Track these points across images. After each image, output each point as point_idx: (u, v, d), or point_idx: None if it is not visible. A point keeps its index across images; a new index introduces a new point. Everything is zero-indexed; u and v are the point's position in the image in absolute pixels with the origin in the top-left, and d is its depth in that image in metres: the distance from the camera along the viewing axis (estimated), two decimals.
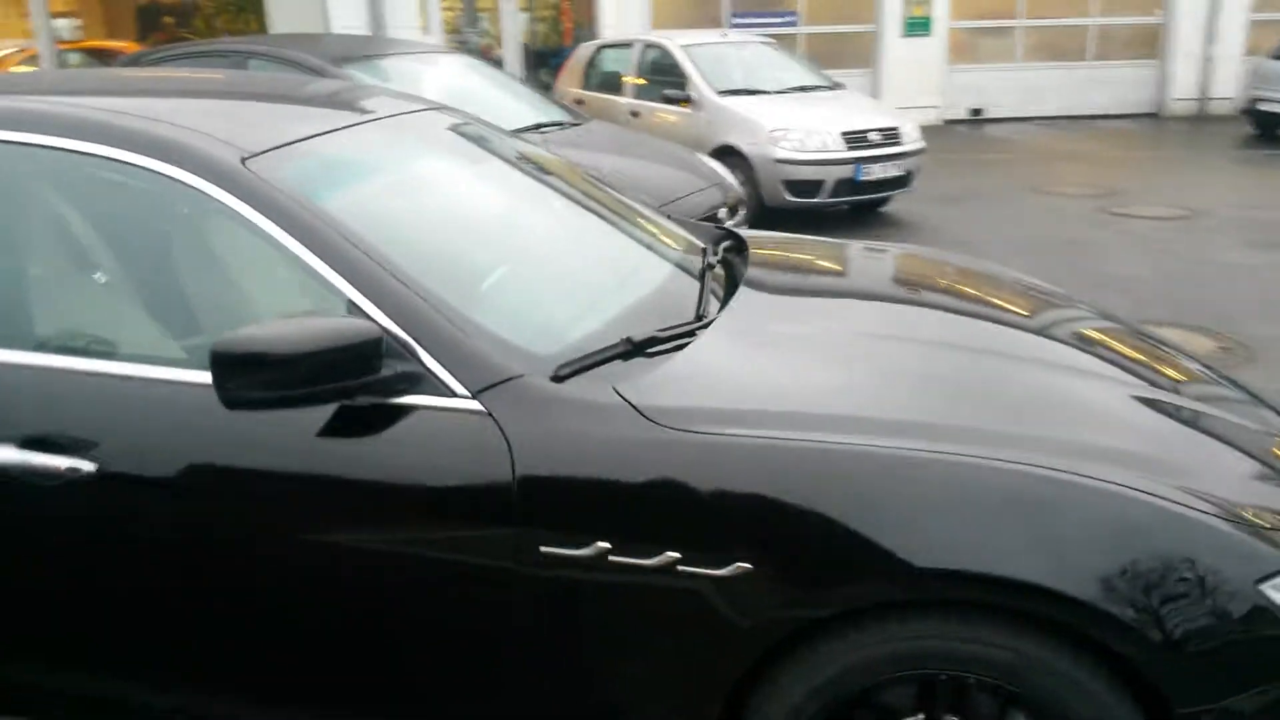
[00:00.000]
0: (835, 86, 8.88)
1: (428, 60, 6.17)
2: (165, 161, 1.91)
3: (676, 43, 8.76)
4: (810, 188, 7.61)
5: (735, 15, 13.77)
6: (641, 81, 8.91)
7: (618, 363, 1.92)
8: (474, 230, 2.31)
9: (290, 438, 1.77)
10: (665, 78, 8.62)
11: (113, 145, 1.94)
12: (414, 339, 1.78)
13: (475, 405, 1.75)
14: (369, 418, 1.76)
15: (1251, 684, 1.65)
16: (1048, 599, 1.61)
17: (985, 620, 1.66)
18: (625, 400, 1.77)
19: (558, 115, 6.17)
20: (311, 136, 2.15)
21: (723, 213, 5.31)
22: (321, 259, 1.82)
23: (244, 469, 1.80)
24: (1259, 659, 1.65)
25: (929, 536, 1.64)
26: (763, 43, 9.33)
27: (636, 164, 5.60)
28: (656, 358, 1.97)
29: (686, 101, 8.33)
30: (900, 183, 7.97)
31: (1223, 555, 1.65)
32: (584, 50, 9.91)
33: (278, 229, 1.84)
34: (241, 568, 1.82)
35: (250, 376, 1.61)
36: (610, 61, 9.42)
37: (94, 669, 1.97)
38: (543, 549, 1.71)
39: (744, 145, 7.81)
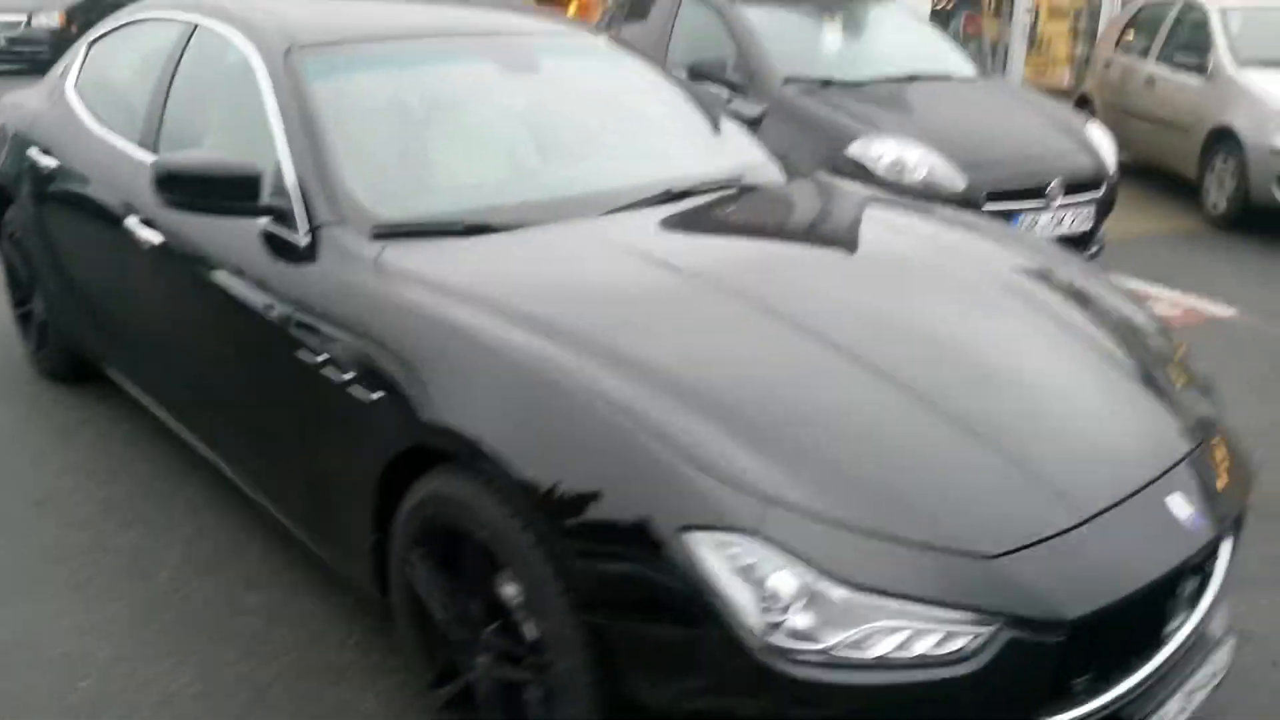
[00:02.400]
0: None
1: None
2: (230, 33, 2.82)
3: (1218, 3, 7.47)
4: None
5: None
6: (1165, 45, 7.81)
7: (457, 238, 2.34)
8: (429, 121, 2.77)
9: (210, 228, 2.57)
10: (1191, 43, 7.47)
11: (216, 19, 2.90)
12: (294, 191, 2.40)
13: (303, 239, 2.35)
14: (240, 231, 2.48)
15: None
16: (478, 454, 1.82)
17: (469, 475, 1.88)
18: (376, 257, 2.22)
19: (958, 69, 5.92)
20: (363, 40, 2.84)
21: (1057, 185, 4.79)
22: (280, 122, 2.51)
23: (195, 245, 2.66)
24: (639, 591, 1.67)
25: (446, 398, 1.91)
26: None
27: (1001, 117, 5.33)
28: (481, 237, 2.35)
29: (1200, 71, 7.17)
30: None
31: (663, 491, 1.66)
32: (1128, 9, 8.88)
33: (274, 103, 2.57)
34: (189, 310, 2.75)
35: (169, 188, 2.39)
36: (1147, 22, 8.35)
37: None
38: (296, 353, 2.27)
39: (1240, 127, 6.56)
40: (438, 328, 2.03)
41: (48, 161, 3.44)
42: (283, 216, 2.40)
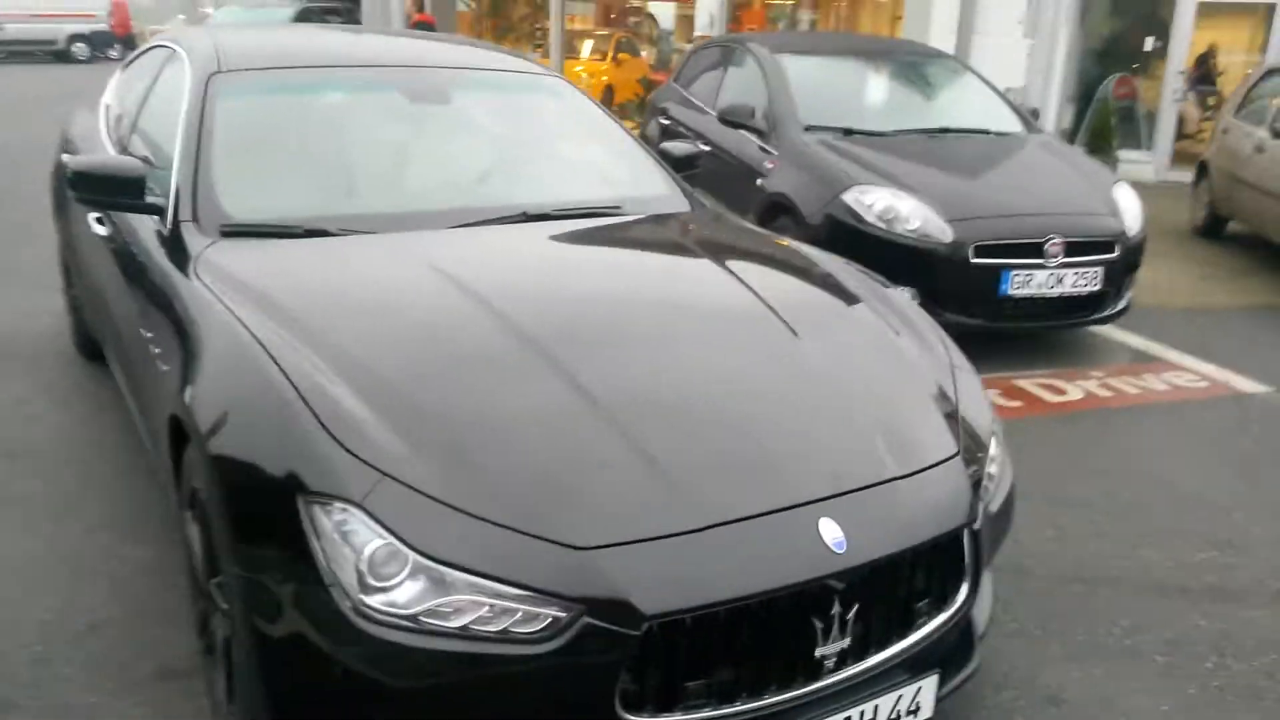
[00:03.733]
0: None
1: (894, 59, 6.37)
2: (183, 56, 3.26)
3: None
4: None
5: None
6: (1277, 112, 7.29)
7: (296, 240, 2.63)
8: (327, 144, 3.06)
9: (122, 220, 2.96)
10: None
11: (174, 46, 3.37)
12: (171, 192, 2.75)
13: (165, 230, 2.69)
14: (144, 223, 2.83)
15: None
16: None
17: None
18: (200, 253, 2.53)
19: (1000, 125, 5.79)
20: (288, 65, 3.19)
21: (1055, 244, 4.61)
22: (183, 138, 2.87)
23: (123, 230, 3.02)
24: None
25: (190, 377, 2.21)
26: None
27: (1017, 173, 5.24)
28: (311, 240, 2.62)
29: None
30: None
31: (300, 461, 1.85)
32: (1253, 74, 8.33)
33: (185, 112, 2.94)
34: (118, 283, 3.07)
35: (75, 185, 2.78)
36: (1267, 87, 7.81)
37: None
38: (140, 329, 2.61)
39: None
40: (205, 310, 2.30)
41: (64, 162, 4.00)
42: (161, 213, 2.76)
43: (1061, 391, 4.62)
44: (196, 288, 2.42)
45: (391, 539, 1.74)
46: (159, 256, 2.69)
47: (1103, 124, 12.17)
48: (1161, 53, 12.37)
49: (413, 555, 1.73)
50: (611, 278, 2.74)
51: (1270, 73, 8.07)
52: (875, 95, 6.02)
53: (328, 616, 1.75)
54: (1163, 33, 12.34)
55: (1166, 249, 7.94)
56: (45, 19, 26.63)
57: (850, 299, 2.73)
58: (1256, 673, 2.65)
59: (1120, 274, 4.89)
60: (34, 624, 2.65)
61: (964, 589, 2.13)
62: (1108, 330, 5.53)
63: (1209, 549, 3.29)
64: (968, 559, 2.12)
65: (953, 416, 2.31)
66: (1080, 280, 4.73)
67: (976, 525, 2.11)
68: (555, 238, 2.88)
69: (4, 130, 12.31)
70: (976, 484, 2.18)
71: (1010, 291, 4.66)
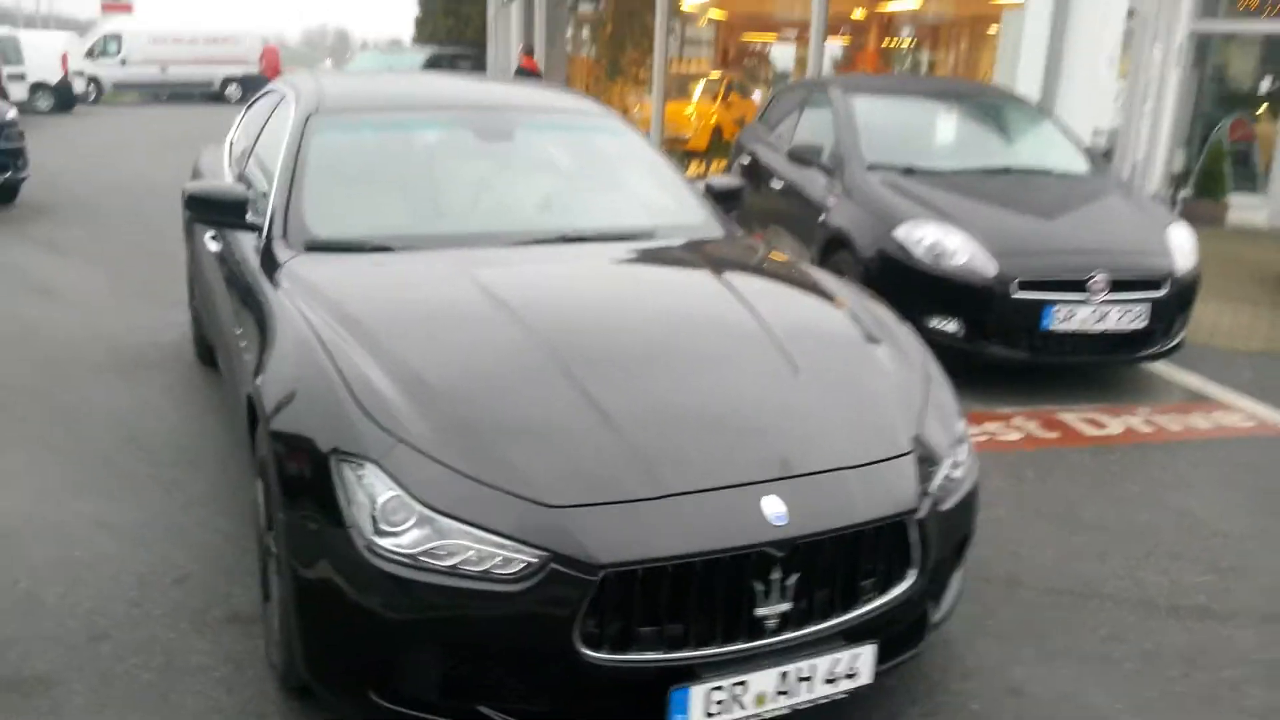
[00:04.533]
0: None
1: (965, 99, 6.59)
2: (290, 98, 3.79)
3: None
4: None
5: None
6: None
7: (367, 253, 3.10)
8: (402, 174, 3.52)
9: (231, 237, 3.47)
10: None
11: (284, 89, 3.90)
12: (268, 213, 3.25)
13: (260, 245, 3.18)
14: (246, 241, 3.33)
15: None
16: None
17: None
18: (286, 262, 2.99)
19: (1063, 166, 5.93)
20: (376, 108, 3.69)
21: (1099, 280, 4.73)
22: (281, 167, 3.39)
23: (230, 247, 3.53)
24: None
25: (260, 364, 2.68)
26: None
27: (1071, 212, 5.38)
28: (378, 254, 3.07)
29: None
30: None
31: (334, 425, 2.28)
32: None
33: (285, 146, 3.47)
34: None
35: (190, 207, 3.31)
36: None
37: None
38: (235, 329, 3.09)
39: None
40: (282, 311, 2.75)
41: None
42: (260, 231, 3.26)
43: (1102, 425, 4.72)
44: (278, 292, 2.89)
45: (401, 491, 2.13)
46: (254, 266, 3.18)
47: (1214, 166, 11.91)
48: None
49: (417, 506, 2.11)
50: (623, 292, 3.11)
51: None
52: (940, 135, 6.24)
53: (346, 553, 2.15)
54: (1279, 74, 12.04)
55: (1260, 296, 7.81)
56: (203, 63, 28.95)
57: (837, 317, 3.02)
58: (1220, 683, 2.78)
59: (1170, 312, 4.97)
60: (133, 576, 3.15)
61: (911, 575, 2.38)
62: (1165, 369, 5.57)
63: (1209, 573, 3.39)
64: (914, 548, 2.37)
65: (912, 421, 2.57)
66: (1125, 317, 4.83)
67: (920, 516, 2.36)
68: (584, 257, 3.27)
69: (155, 164, 13.58)
70: (928, 478, 2.43)
71: (1053, 326, 4.80)
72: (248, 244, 3.34)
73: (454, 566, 2.09)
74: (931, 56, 18.56)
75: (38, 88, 22.51)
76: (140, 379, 4.98)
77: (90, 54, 27.43)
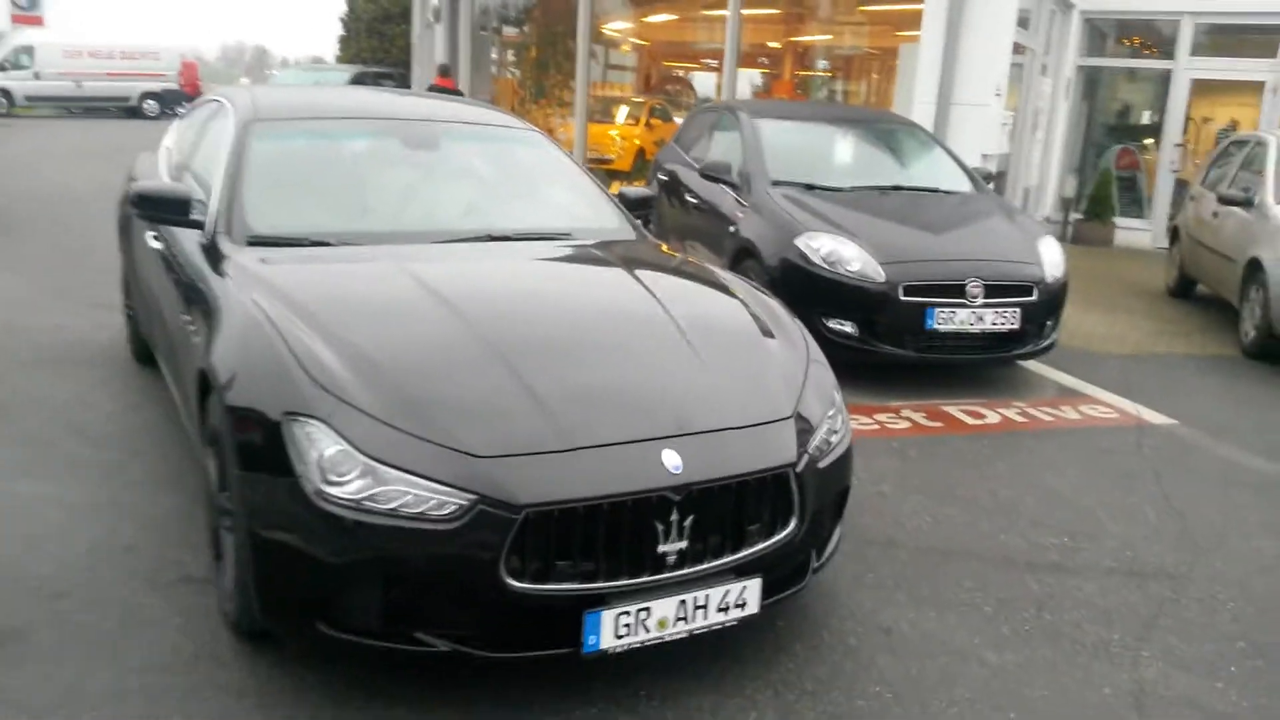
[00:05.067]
0: None
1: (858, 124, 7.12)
2: (228, 108, 4.04)
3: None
4: None
5: None
6: (1232, 180, 7.89)
7: (304, 248, 3.37)
8: (334, 178, 3.82)
9: (178, 231, 3.70)
10: (1248, 177, 7.57)
11: (222, 99, 4.16)
12: (211, 211, 3.52)
13: (205, 240, 3.44)
14: (189, 238, 3.58)
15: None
16: None
17: None
18: (230, 255, 3.26)
19: (949, 185, 6.49)
20: (310, 117, 3.98)
21: (975, 286, 5.25)
22: (224, 170, 3.65)
23: (171, 244, 3.78)
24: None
25: (212, 343, 3.09)
26: None
27: (953, 225, 5.90)
28: (316, 249, 3.36)
29: (1246, 205, 7.25)
30: None
31: (284, 390, 2.57)
32: (1222, 144, 8.94)
33: (227, 151, 3.73)
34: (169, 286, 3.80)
35: (137, 205, 3.56)
36: (1227, 156, 8.42)
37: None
38: (181, 315, 3.35)
39: (1266, 259, 6.63)
40: (230, 297, 3.03)
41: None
42: (203, 228, 3.52)
43: (981, 416, 5.22)
44: (225, 281, 3.15)
45: (346, 445, 2.42)
46: (198, 260, 3.43)
47: (1102, 193, 12.81)
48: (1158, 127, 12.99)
49: (360, 457, 2.42)
50: (541, 282, 3.46)
51: (1233, 144, 8.67)
52: (839, 156, 6.74)
53: (297, 501, 2.43)
54: (1160, 108, 12.99)
55: (1137, 307, 8.52)
56: (120, 77, 28.49)
57: (731, 304, 3.41)
58: (1064, 623, 3.22)
59: (1040, 315, 5.51)
60: (84, 545, 3.36)
61: (793, 522, 2.76)
62: (1041, 369, 6.13)
63: (1063, 537, 3.86)
64: (794, 498, 2.75)
65: (794, 392, 2.95)
66: (999, 319, 5.35)
67: (799, 469, 2.74)
68: (507, 253, 3.60)
69: (73, 175, 13.49)
70: (805, 439, 2.82)
71: (935, 326, 5.30)
72: (191, 240, 3.60)
73: (394, 509, 2.39)
74: (845, 85, 19.34)
75: None
76: (73, 375, 5.13)
77: (1, 67, 26.82)
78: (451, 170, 4.09)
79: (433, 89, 13.12)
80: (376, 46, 24.79)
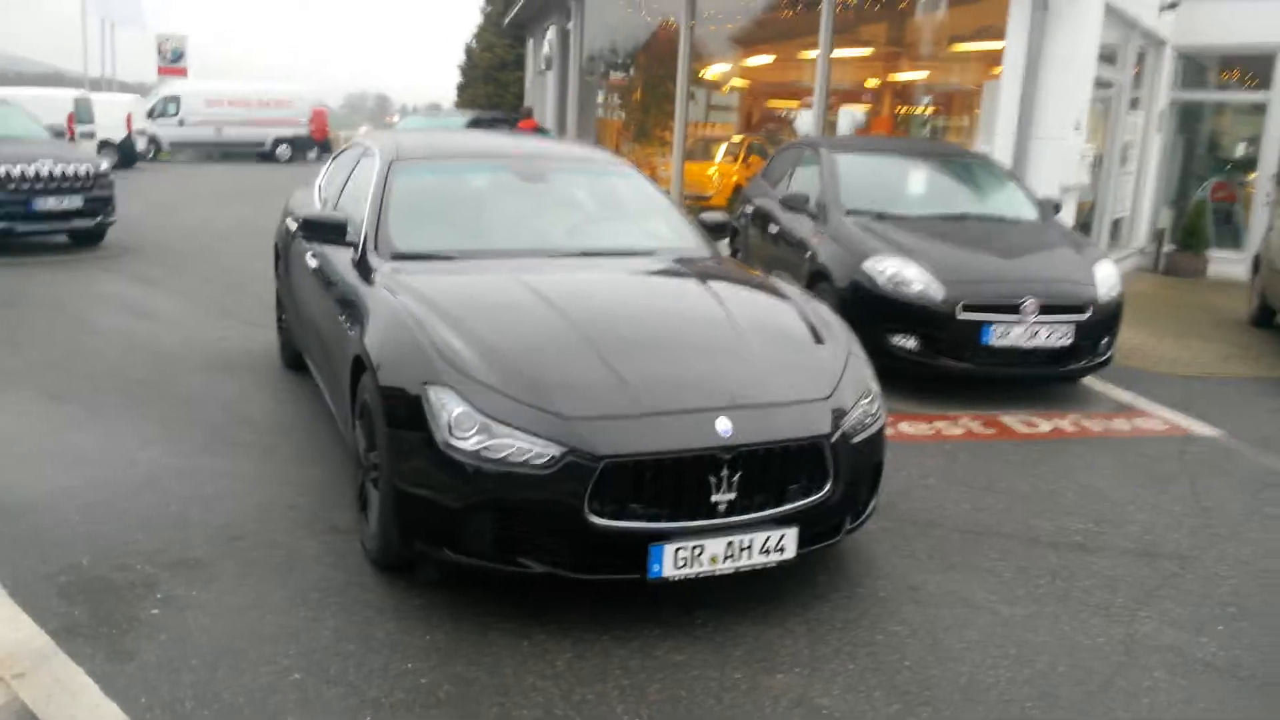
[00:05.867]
0: None
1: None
2: (374, 149, 4.85)
3: None
4: None
5: None
6: None
7: (437, 261, 4.12)
8: (462, 206, 4.57)
9: (332, 251, 4.50)
10: None
11: (368, 143, 4.97)
12: (361, 233, 4.30)
13: (356, 257, 4.22)
14: (342, 255, 4.37)
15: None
16: None
17: None
18: (379, 267, 4.02)
19: (1015, 213, 6.94)
20: (442, 157, 4.77)
21: (1029, 303, 5.69)
22: (370, 200, 4.45)
23: (327, 262, 4.58)
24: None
25: (364, 333, 3.85)
26: None
27: (1012, 250, 6.40)
28: (445, 262, 4.11)
29: None
30: None
31: (423, 368, 3.29)
32: None
33: (373, 184, 4.53)
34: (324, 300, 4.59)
35: (303, 228, 4.38)
36: None
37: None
38: (339, 317, 4.13)
39: None
40: (381, 299, 3.78)
41: (289, 223, 5.70)
42: (356, 246, 4.31)
43: (1034, 425, 5.64)
44: (374, 288, 3.92)
45: (468, 407, 3.12)
46: (350, 272, 4.22)
47: (1194, 224, 12.88)
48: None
49: (479, 417, 3.11)
50: (627, 289, 4.15)
51: None
52: (911, 187, 7.26)
53: (431, 448, 3.13)
54: (1258, 140, 13.00)
55: (1214, 334, 8.71)
56: (256, 125, 30.73)
57: (783, 307, 4.03)
58: (1074, 589, 3.68)
59: (1094, 333, 5.90)
60: (253, 504, 4.15)
61: (827, 485, 3.33)
62: (1104, 386, 6.49)
63: (1089, 523, 4.30)
64: (829, 465, 3.32)
65: (832, 380, 3.53)
66: (1053, 335, 5.78)
67: (833, 440, 3.32)
68: (600, 266, 4.30)
69: (218, 214, 14.91)
70: (839, 419, 3.39)
71: (991, 342, 5.76)
72: (343, 257, 4.39)
73: (504, 459, 3.07)
74: (946, 121, 19.66)
75: (104, 145, 24.14)
76: (237, 377, 6.03)
77: (151, 114, 29.25)
78: (556, 199, 4.83)
79: (519, 130, 14.16)
80: (492, 92, 26.30)
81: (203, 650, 3.04)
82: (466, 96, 27.64)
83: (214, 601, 3.34)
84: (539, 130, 16.48)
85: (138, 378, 5.95)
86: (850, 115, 19.07)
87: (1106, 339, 6.03)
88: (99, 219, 10.83)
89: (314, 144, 31.93)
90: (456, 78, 29.19)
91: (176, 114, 29.74)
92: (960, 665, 3.13)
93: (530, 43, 24.02)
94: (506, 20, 24.78)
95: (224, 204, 16.64)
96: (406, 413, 3.26)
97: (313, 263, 4.88)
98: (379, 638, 3.14)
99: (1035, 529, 4.22)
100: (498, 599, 3.35)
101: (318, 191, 5.78)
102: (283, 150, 30.87)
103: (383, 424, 3.35)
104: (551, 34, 20.43)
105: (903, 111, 19.75)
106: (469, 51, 27.75)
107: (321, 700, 2.81)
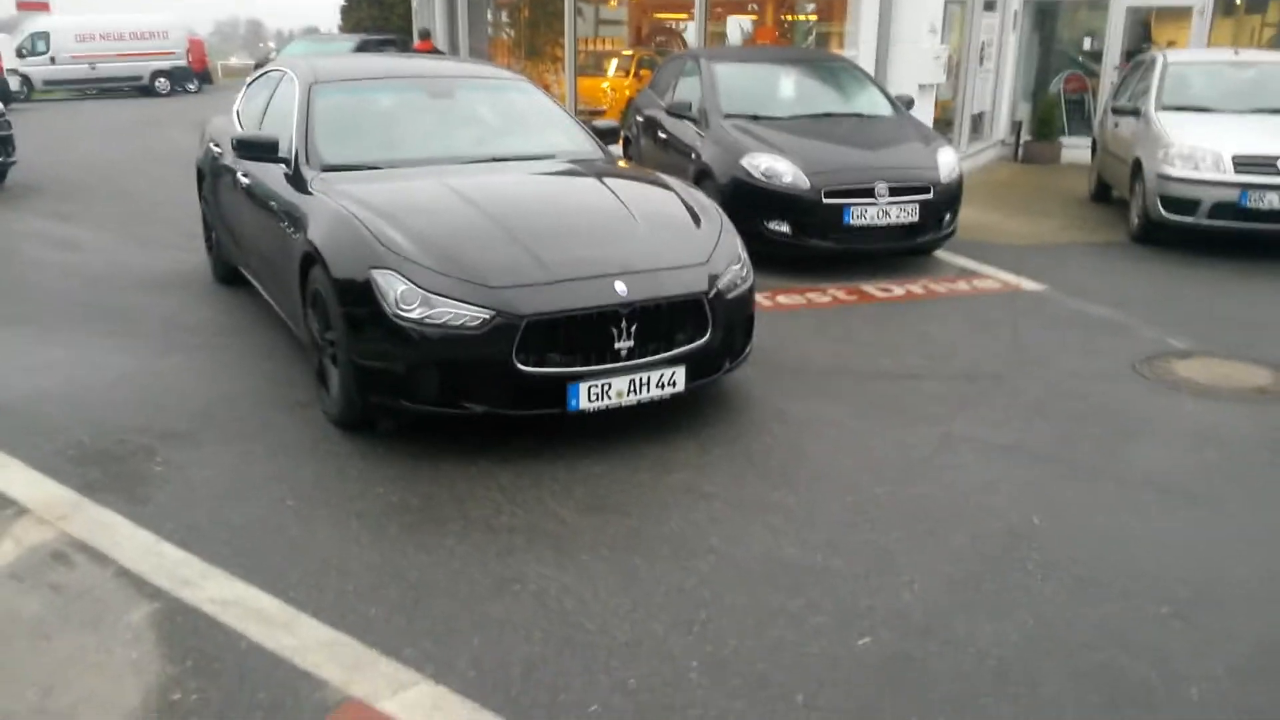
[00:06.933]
0: None
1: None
2: (292, 75, 5.37)
3: (1164, 59, 8.80)
4: (1186, 206, 7.47)
5: None
6: (1129, 95, 9.16)
7: (364, 171, 4.73)
8: (380, 122, 5.18)
9: (265, 169, 5.06)
10: (1139, 90, 8.84)
11: (285, 69, 5.50)
12: (291, 148, 4.87)
13: (290, 171, 4.80)
14: (275, 171, 4.94)
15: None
16: None
17: None
18: (313, 178, 4.62)
19: (872, 110, 7.82)
20: (357, 79, 5.33)
21: (882, 187, 6.60)
22: (297, 118, 5.00)
23: (259, 179, 5.14)
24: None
25: (312, 231, 4.38)
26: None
27: (867, 141, 7.27)
28: (372, 172, 4.72)
29: (1135, 114, 8.53)
30: None
31: (368, 254, 3.94)
32: (1132, 63, 10.16)
33: (296, 106, 5.08)
34: (257, 214, 5.17)
35: (239, 148, 4.93)
36: (1130, 75, 9.65)
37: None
38: (281, 224, 4.72)
39: (1144, 158, 7.92)
40: (320, 204, 4.40)
41: (216, 150, 6.18)
42: (288, 162, 4.87)
43: (890, 290, 6.59)
44: (313, 196, 4.52)
45: (411, 284, 3.81)
46: (285, 186, 4.80)
47: (1048, 115, 14.02)
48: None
49: (420, 291, 3.80)
50: (534, 186, 4.85)
51: (1137, 65, 9.88)
52: (782, 91, 8.04)
53: (382, 320, 3.83)
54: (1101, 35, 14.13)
55: (1057, 210, 9.82)
56: (131, 58, 29.67)
57: (667, 195, 4.79)
58: (906, 405, 4.61)
59: (937, 211, 6.86)
60: (218, 394, 4.77)
61: (708, 332, 4.13)
62: (953, 257, 7.48)
63: (925, 359, 5.24)
64: (708, 315, 4.12)
65: (708, 250, 4.32)
66: (902, 213, 6.71)
67: (710, 296, 4.12)
68: (509, 169, 4.97)
69: (112, 148, 14.86)
70: (714, 280, 4.18)
71: (851, 222, 6.66)
72: (274, 174, 4.95)
73: (444, 324, 3.78)
74: (828, 28, 20.39)
75: None
76: (172, 294, 6.53)
77: (20, 53, 28.02)
78: (464, 113, 5.46)
79: (415, 52, 14.42)
80: (377, 15, 25.91)
81: (207, 492, 3.73)
82: (351, 20, 27.17)
83: (208, 459, 4.01)
84: (434, 51, 16.72)
85: (81, 300, 6.40)
86: (738, 24, 19.67)
87: (948, 215, 6.99)
88: (0, 160, 10.88)
89: (193, 75, 31.03)
90: (337, 0, 28.58)
91: (46, 51, 28.52)
92: (815, 461, 4.03)
93: None
94: None
95: (115, 139, 16.48)
96: (357, 294, 3.93)
97: (245, 180, 5.42)
98: (351, 474, 3.87)
99: (881, 366, 5.15)
100: (445, 442, 4.10)
101: (237, 117, 6.24)
102: (161, 83, 29.91)
103: (337, 306, 4.02)
104: None
105: (788, 19, 20.45)
106: None
107: (315, 516, 3.54)
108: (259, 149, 4.95)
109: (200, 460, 4.00)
